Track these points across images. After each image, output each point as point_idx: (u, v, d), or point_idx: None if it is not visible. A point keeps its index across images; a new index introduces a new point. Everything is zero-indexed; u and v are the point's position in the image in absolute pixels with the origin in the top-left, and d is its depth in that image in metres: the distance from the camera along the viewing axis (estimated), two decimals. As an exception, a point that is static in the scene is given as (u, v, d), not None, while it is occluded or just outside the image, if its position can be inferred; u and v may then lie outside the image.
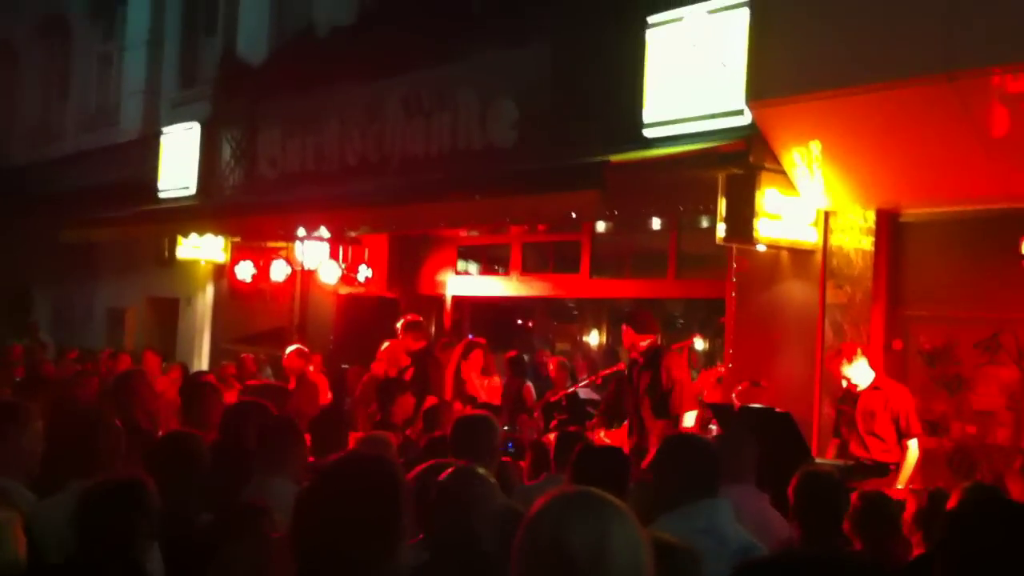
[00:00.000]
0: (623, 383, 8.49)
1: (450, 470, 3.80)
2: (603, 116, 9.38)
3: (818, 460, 6.88)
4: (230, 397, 9.27)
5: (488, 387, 10.13)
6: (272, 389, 7.37)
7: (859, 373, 7.32)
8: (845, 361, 7.34)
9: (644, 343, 8.11)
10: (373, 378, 10.06)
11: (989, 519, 2.86)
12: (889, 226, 8.04)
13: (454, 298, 12.94)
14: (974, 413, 7.60)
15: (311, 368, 10.65)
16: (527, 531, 2.30)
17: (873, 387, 7.28)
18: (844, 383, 7.39)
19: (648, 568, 2.29)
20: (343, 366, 11.83)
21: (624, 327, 8.38)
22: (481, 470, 3.87)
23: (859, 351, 7.38)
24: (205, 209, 14.34)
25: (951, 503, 4.49)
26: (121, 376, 7.72)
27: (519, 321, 14.52)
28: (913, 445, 7.11)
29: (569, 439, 5.96)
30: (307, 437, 5.33)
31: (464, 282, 13.02)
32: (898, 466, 7.10)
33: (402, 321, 9.88)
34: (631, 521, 2.31)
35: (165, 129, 16.05)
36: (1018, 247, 7.05)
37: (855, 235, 8.05)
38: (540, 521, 2.29)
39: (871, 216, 7.99)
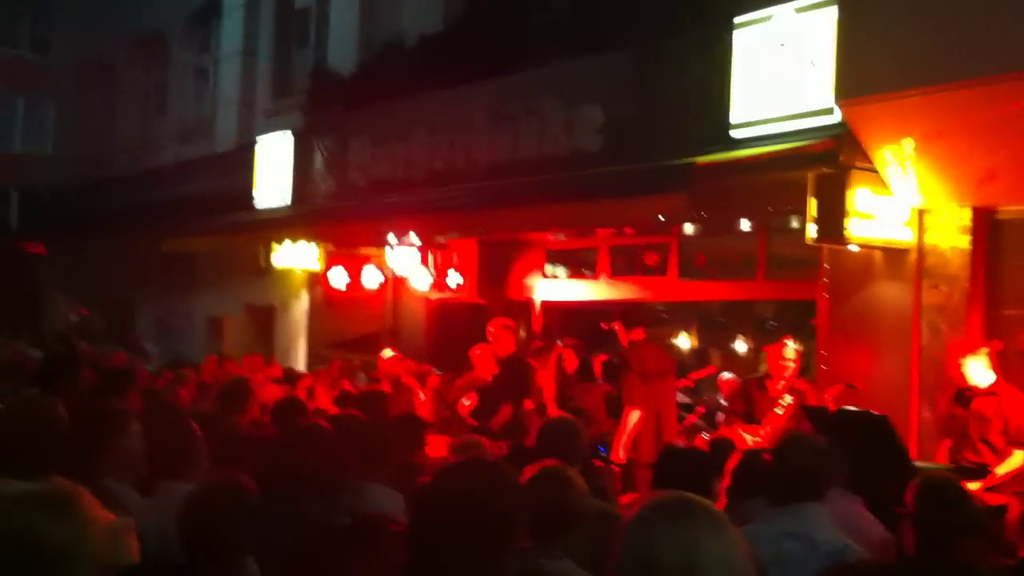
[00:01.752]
0: None
1: (536, 470, 3.82)
2: (689, 118, 9.31)
3: (918, 464, 6.76)
4: (324, 403, 9.47)
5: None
6: (372, 395, 7.49)
7: (977, 371, 7.16)
8: (970, 355, 7.20)
9: None
10: (471, 381, 10.13)
11: None
12: (986, 224, 7.86)
13: (543, 303, 12.96)
14: (1075, 415, 7.38)
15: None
16: (622, 539, 2.29)
17: (989, 391, 7.11)
18: (965, 374, 7.21)
19: None
20: (436, 371, 11.93)
21: None
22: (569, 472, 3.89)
23: (985, 349, 7.22)
24: (299, 217, 14.59)
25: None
26: (230, 383, 7.91)
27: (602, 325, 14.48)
28: (1019, 455, 6.94)
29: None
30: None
31: (552, 286, 13.03)
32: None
33: (494, 325, 9.93)
34: (726, 530, 2.27)
35: (259, 138, 16.38)
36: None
37: (951, 234, 7.89)
38: (631, 530, 2.28)
39: (967, 214, 7.81)
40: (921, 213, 8.04)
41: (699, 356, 13.49)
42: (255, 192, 16.02)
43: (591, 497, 4.00)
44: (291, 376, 11.17)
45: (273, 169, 15.70)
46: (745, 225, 10.02)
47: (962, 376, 7.21)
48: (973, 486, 6.54)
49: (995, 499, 6.45)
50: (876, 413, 6.85)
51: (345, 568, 3.57)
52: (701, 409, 10.02)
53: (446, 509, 2.69)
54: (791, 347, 8.44)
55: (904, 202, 7.97)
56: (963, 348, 7.27)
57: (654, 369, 9.07)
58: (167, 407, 7.23)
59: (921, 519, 4.22)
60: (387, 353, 11.09)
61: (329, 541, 3.80)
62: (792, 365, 8.40)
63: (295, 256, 15.45)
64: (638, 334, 9.41)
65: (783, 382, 8.32)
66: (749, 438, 8.07)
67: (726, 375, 11.16)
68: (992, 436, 7.02)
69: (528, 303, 13.08)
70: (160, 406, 8.02)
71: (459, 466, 2.93)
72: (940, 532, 4.16)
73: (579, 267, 12.96)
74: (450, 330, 13.68)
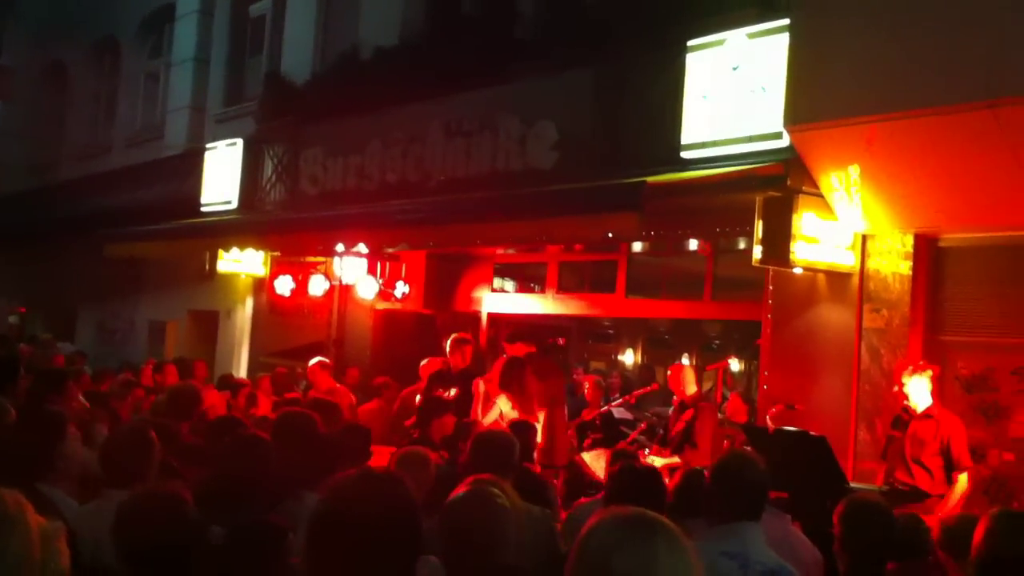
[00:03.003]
0: None
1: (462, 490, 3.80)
2: (642, 138, 9.42)
3: (854, 485, 6.86)
4: (264, 410, 9.39)
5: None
6: (322, 403, 7.44)
7: (918, 391, 7.25)
8: (910, 371, 7.31)
9: None
10: (411, 394, 10.12)
11: None
12: (928, 251, 8.03)
13: (490, 315, 13.00)
14: (1011, 441, 7.55)
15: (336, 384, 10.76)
16: (578, 551, 2.28)
17: (926, 414, 7.21)
18: (898, 388, 7.32)
19: None
20: (379, 381, 11.91)
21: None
22: (495, 489, 3.86)
23: (929, 371, 7.32)
24: (246, 224, 14.50)
25: (979, 530, 4.44)
26: (174, 390, 7.84)
27: (555, 340, 14.56)
28: (963, 480, 7.03)
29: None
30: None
31: (500, 300, 13.08)
32: (942, 497, 7.03)
33: (451, 338, 9.90)
34: (681, 545, 2.28)
35: (209, 145, 16.27)
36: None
37: (893, 259, 8.04)
38: (588, 542, 2.27)
39: (909, 240, 7.97)
40: (865, 238, 8.19)
41: (644, 373, 13.60)
42: (203, 198, 15.91)
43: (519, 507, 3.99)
44: (230, 383, 11.08)
45: (221, 175, 15.61)
46: (693, 245, 10.14)
47: (903, 397, 7.30)
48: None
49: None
50: (814, 434, 6.95)
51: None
52: (643, 426, 10.09)
53: (338, 526, 2.61)
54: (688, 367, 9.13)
55: (848, 227, 8.12)
56: (905, 367, 7.38)
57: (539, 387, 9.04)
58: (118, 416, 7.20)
59: (846, 540, 4.29)
60: (314, 361, 11.02)
61: (226, 547, 3.74)
62: (691, 388, 8.91)
63: (240, 262, 15.36)
64: (519, 349, 9.41)
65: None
66: (659, 461, 8.20)
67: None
68: (926, 458, 7.13)
69: (475, 316, 13.11)
70: (116, 414, 7.98)
71: (349, 481, 2.78)
72: (865, 553, 4.23)
73: (528, 281, 13.02)
74: (396, 340, 13.67)
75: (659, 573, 2.20)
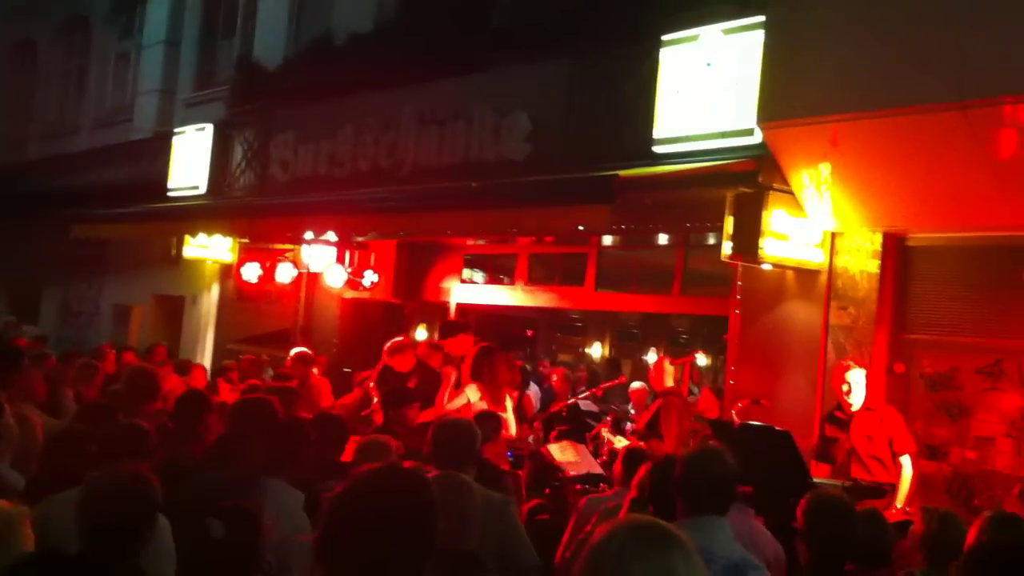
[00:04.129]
0: None
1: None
2: (615, 131, 9.43)
3: (817, 480, 6.89)
4: (230, 397, 9.31)
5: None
6: (282, 390, 7.38)
7: (860, 384, 7.30)
8: (852, 364, 7.35)
9: None
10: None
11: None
12: (896, 249, 8.09)
13: (458, 305, 12.98)
14: (974, 439, 7.63)
15: (315, 371, 10.67)
16: (591, 559, 2.29)
17: (865, 408, 7.27)
18: (845, 387, 7.32)
19: None
20: (346, 370, 11.85)
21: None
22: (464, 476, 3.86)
23: (859, 368, 7.38)
24: (214, 209, 14.40)
25: (972, 533, 4.46)
26: (133, 372, 7.77)
27: (523, 331, 14.56)
28: (906, 461, 7.08)
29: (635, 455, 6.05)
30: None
31: (469, 290, 13.06)
32: (894, 487, 7.10)
33: (388, 345, 9.68)
34: (695, 556, 2.32)
35: (177, 130, 16.13)
36: (1023, 275, 7.08)
37: (861, 257, 8.09)
38: (606, 551, 2.28)
39: (878, 239, 8.03)
40: (834, 236, 8.24)
41: (611, 366, 13.63)
42: (170, 182, 15.78)
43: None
44: (184, 367, 11.02)
45: (190, 159, 15.48)
46: (663, 239, 10.16)
47: (847, 393, 7.33)
48: (898, 506, 6.72)
49: (895, 516, 6.59)
50: (778, 429, 6.98)
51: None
52: (609, 418, 10.11)
53: (359, 523, 2.57)
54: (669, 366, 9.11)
55: (818, 224, 8.16)
56: (846, 364, 7.43)
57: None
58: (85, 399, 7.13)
59: (809, 535, 4.29)
60: (297, 350, 10.91)
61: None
62: (670, 381, 8.96)
63: (207, 248, 15.25)
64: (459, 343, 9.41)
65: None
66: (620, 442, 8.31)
67: (636, 384, 11.29)
68: (877, 450, 7.17)
69: (443, 306, 13.08)
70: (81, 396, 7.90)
71: (373, 475, 2.75)
72: (826, 548, 4.23)
73: (497, 273, 13.01)
74: (364, 329, 13.62)
75: None
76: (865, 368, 7.38)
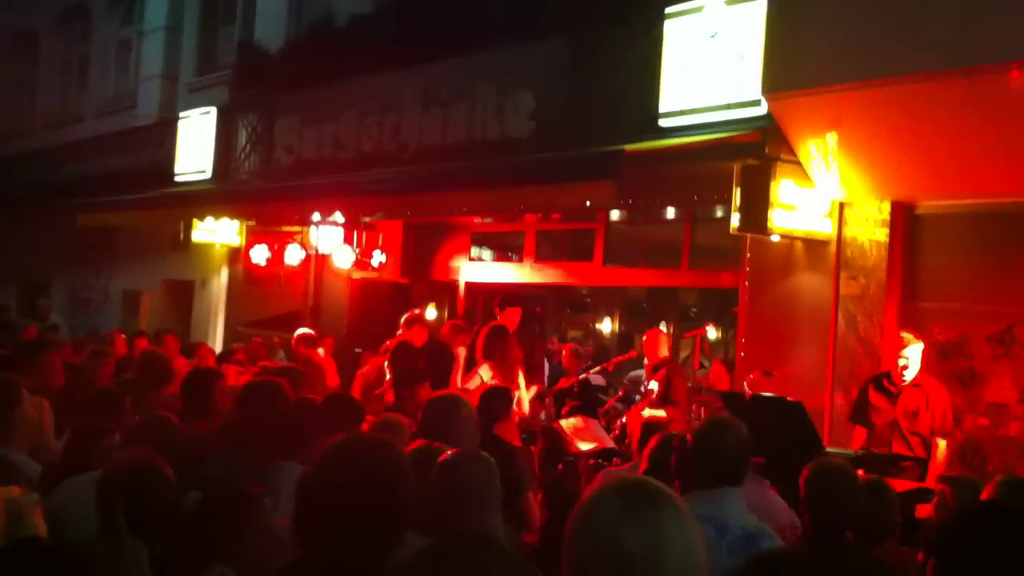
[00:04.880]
0: None
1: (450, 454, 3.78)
2: (620, 106, 9.40)
3: (830, 450, 6.90)
4: (239, 381, 9.32)
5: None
6: (289, 371, 7.39)
7: (916, 360, 7.18)
8: (912, 337, 7.22)
9: None
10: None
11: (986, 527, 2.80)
12: (904, 218, 8.06)
13: (467, 284, 12.99)
14: (987, 406, 7.61)
15: (320, 352, 10.68)
16: (579, 522, 2.25)
17: (914, 384, 7.17)
18: (902, 362, 7.17)
19: (702, 566, 2.25)
20: (356, 350, 11.88)
21: None
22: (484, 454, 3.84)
23: (920, 343, 7.23)
24: (221, 193, 14.41)
25: (985, 495, 4.46)
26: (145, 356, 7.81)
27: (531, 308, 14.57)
28: (942, 444, 7.04)
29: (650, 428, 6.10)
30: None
31: (477, 268, 13.07)
32: (917, 460, 7.05)
33: (404, 317, 9.78)
34: (687, 515, 2.27)
35: (182, 114, 16.13)
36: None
37: (870, 227, 8.07)
38: (592, 514, 2.25)
39: (886, 208, 8.00)
40: (842, 206, 8.21)
41: (622, 341, 13.64)
42: (176, 167, 15.79)
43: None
44: (190, 350, 11.04)
45: (195, 144, 15.49)
46: (671, 213, 10.15)
47: (901, 368, 7.19)
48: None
49: (906, 485, 6.56)
50: (790, 399, 6.99)
51: (216, 541, 3.45)
52: (620, 392, 10.14)
53: (328, 499, 2.56)
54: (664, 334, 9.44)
55: (826, 195, 8.14)
56: (907, 334, 7.33)
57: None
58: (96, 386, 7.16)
59: (809, 504, 4.27)
60: (300, 331, 10.93)
61: (201, 514, 3.68)
62: (665, 351, 9.15)
63: (215, 232, 15.26)
64: (511, 315, 9.54)
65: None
66: (647, 412, 8.38)
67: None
68: (921, 428, 7.10)
69: (453, 285, 13.10)
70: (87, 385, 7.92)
71: (342, 446, 2.73)
72: (827, 517, 4.21)
73: (505, 250, 13.01)
74: (372, 309, 13.65)
75: (667, 545, 2.20)
76: (923, 342, 7.25)
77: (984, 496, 4.44)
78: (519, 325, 9.54)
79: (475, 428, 5.18)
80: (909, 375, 7.18)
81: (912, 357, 7.18)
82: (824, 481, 4.26)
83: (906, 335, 7.27)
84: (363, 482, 2.58)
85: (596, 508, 2.25)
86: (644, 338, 9.64)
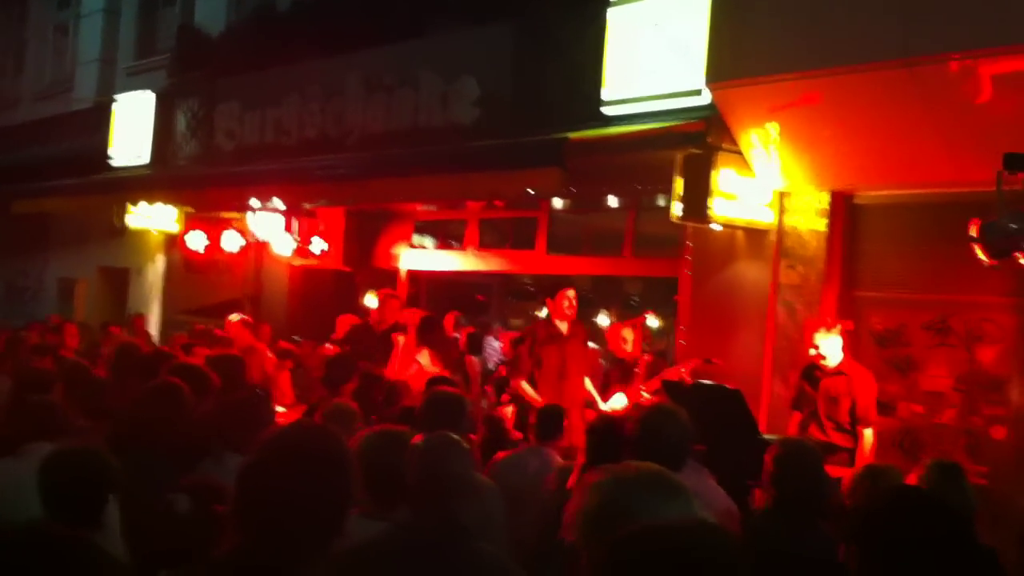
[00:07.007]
0: None
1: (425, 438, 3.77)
2: (564, 94, 9.40)
3: (766, 436, 6.95)
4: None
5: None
6: (228, 359, 7.27)
7: (831, 348, 7.30)
8: (823, 329, 7.34)
9: None
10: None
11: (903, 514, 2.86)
12: (844, 208, 8.12)
13: (409, 272, 12.92)
14: (923, 394, 7.71)
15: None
16: (597, 509, 2.26)
17: (838, 371, 7.28)
18: (813, 351, 7.35)
19: None
20: (295, 338, 11.78)
21: None
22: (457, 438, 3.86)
23: (839, 327, 7.38)
24: (158, 179, 14.21)
25: (915, 478, 4.51)
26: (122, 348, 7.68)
27: (474, 297, 14.54)
28: (868, 434, 7.14)
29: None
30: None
31: (420, 256, 13.00)
32: (851, 452, 7.15)
33: (380, 294, 9.79)
34: (693, 504, 2.34)
35: (118, 97, 15.87)
36: (968, 231, 7.15)
37: (810, 216, 8.13)
38: (611, 500, 2.26)
39: (826, 198, 8.06)
40: (782, 195, 8.27)
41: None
42: (112, 152, 15.52)
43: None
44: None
45: (132, 128, 15.25)
46: (614, 202, 10.16)
47: (819, 357, 7.37)
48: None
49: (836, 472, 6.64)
50: (729, 387, 7.04)
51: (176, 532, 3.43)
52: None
53: (267, 482, 2.50)
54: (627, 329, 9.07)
55: (767, 184, 8.19)
56: (818, 325, 7.48)
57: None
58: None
59: (778, 481, 4.31)
60: (234, 317, 10.78)
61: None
62: (629, 347, 8.89)
63: (151, 218, 15.00)
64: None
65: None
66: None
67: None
68: (839, 415, 7.23)
69: (394, 272, 13.02)
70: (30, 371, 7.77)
71: (280, 435, 2.66)
72: (797, 496, 4.26)
73: (447, 238, 12.95)
74: (313, 297, 13.54)
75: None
76: (838, 332, 7.35)
77: (913, 480, 4.50)
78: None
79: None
80: (830, 363, 7.31)
81: (825, 346, 7.31)
82: (794, 459, 4.32)
83: (822, 326, 7.40)
84: (300, 472, 2.52)
85: (607, 492, 2.27)
86: (605, 332, 9.59)
